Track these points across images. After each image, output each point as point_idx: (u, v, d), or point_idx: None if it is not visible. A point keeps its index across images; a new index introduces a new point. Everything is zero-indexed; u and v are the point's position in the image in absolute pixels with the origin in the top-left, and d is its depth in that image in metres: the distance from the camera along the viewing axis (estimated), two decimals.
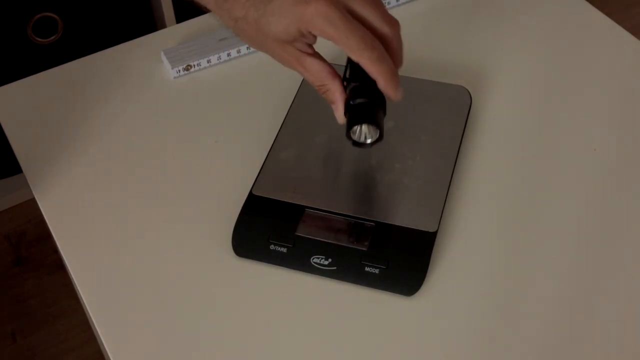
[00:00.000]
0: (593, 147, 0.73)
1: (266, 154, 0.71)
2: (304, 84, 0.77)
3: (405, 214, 0.65)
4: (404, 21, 0.88)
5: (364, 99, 0.60)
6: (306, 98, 0.76)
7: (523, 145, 0.74)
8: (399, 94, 0.60)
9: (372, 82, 0.59)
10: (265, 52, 0.62)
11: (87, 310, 0.64)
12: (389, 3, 0.84)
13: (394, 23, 0.61)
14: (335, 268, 0.63)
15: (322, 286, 0.63)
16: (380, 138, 0.61)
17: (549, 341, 0.60)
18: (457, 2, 0.88)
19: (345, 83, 0.61)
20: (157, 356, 0.60)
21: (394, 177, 0.68)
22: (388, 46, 0.59)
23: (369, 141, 0.61)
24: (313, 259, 0.63)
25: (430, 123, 0.73)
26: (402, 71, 0.77)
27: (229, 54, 0.81)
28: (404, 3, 0.86)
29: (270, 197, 0.67)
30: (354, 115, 0.60)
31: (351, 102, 0.60)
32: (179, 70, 0.80)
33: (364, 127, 0.61)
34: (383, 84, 0.59)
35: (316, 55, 0.61)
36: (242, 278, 0.64)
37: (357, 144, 0.61)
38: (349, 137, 0.61)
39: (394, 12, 0.88)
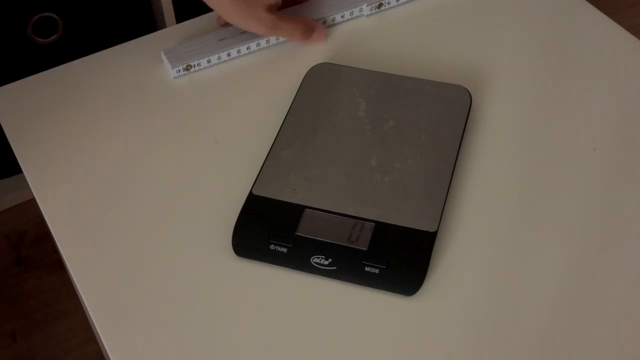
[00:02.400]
0: (593, 146, 0.73)
1: (266, 154, 0.71)
2: (304, 83, 0.77)
3: (405, 214, 0.65)
4: (403, 21, 0.88)
5: None
6: (306, 98, 0.76)
7: (523, 145, 0.74)
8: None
9: None
10: (242, 23, 0.75)
11: (87, 310, 0.64)
12: (389, 3, 0.84)
13: None
14: (335, 268, 0.63)
15: (322, 286, 0.63)
16: None
17: (549, 341, 0.60)
18: (456, 2, 0.88)
19: None
20: (157, 356, 0.60)
21: (394, 177, 0.68)
22: None
23: None
24: (313, 259, 0.63)
25: (430, 123, 0.73)
26: (403, 71, 0.78)
27: (229, 54, 0.81)
28: (403, 3, 0.86)
29: (270, 197, 0.67)
30: None
31: None
32: (179, 70, 0.80)
33: None
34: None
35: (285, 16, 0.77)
36: (242, 278, 0.64)
37: None
38: None
39: (394, 12, 0.88)
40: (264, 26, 0.75)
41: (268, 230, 0.65)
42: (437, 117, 0.73)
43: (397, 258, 0.63)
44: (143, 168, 0.72)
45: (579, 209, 0.68)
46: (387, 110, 0.74)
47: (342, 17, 0.82)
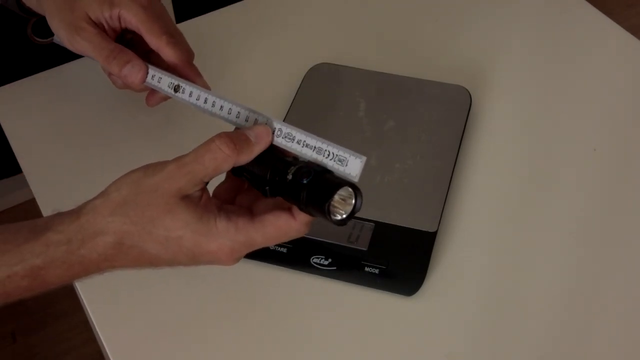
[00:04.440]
0: (593, 147, 0.73)
1: None
2: (304, 83, 0.77)
3: (405, 214, 0.65)
4: (403, 21, 0.88)
5: (305, 173, 0.48)
6: (306, 98, 0.76)
7: (523, 145, 0.74)
8: (204, 81, 0.63)
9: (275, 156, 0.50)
10: (61, 33, 0.64)
11: (87, 310, 0.64)
12: (183, 90, 0.60)
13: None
14: (335, 268, 0.63)
15: (322, 286, 0.63)
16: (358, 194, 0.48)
17: (548, 340, 0.60)
18: (457, 2, 0.88)
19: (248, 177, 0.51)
20: (157, 356, 0.60)
21: (394, 177, 0.68)
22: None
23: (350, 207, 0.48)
24: (313, 259, 0.63)
25: (430, 123, 0.73)
26: (403, 71, 0.78)
27: None
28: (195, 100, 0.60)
29: None
30: (319, 195, 0.47)
31: (304, 182, 0.47)
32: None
33: (335, 200, 0.48)
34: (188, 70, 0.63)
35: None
36: (242, 278, 0.64)
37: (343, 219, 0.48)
38: (333, 220, 0.47)
39: (394, 13, 0.88)
40: (67, 28, 0.63)
41: None
42: (437, 117, 0.73)
43: (397, 258, 0.63)
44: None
45: (579, 209, 0.68)
46: (387, 110, 0.74)
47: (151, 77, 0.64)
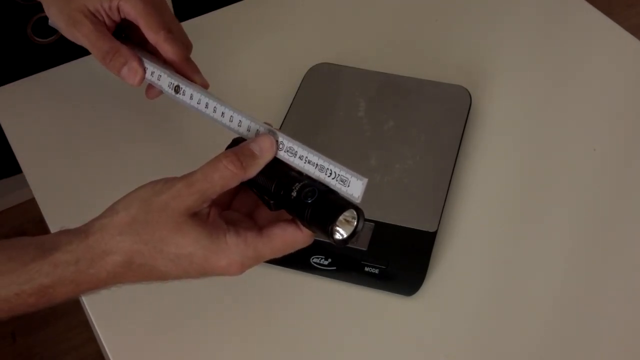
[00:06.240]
0: (593, 147, 0.73)
1: None
2: (304, 83, 0.77)
3: (405, 214, 0.65)
4: (403, 21, 0.88)
5: (309, 193, 0.48)
6: (306, 98, 0.76)
7: (523, 145, 0.74)
8: (202, 77, 0.62)
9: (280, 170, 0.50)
10: (58, 23, 0.64)
11: (87, 310, 0.64)
12: (184, 92, 0.61)
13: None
14: (335, 268, 0.63)
15: (322, 286, 0.63)
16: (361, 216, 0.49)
17: (548, 341, 0.60)
18: (456, 2, 0.88)
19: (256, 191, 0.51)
20: (157, 356, 0.60)
21: (394, 177, 0.68)
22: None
23: (352, 228, 0.49)
24: (313, 259, 0.63)
25: (430, 123, 0.73)
26: (403, 71, 0.78)
27: None
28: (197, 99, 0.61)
29: None
30: (323, 216, 0.48)
31: (308, 201, 0.48)
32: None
33: (339, 222, 0.48)
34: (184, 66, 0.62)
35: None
36: (242, 278, 0.64)
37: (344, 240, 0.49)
38: (334, 240, 0.48)
39: (394, 13, 0.88)
40: (65, 20, 0.63)
41: None
42: (437, 117, 0.73)
43: (396, 258, 0.63)
44: (144, 168, 0.72)
45: (579, 209, 0.68)
46: (387, 110, 0.74)
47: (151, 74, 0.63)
